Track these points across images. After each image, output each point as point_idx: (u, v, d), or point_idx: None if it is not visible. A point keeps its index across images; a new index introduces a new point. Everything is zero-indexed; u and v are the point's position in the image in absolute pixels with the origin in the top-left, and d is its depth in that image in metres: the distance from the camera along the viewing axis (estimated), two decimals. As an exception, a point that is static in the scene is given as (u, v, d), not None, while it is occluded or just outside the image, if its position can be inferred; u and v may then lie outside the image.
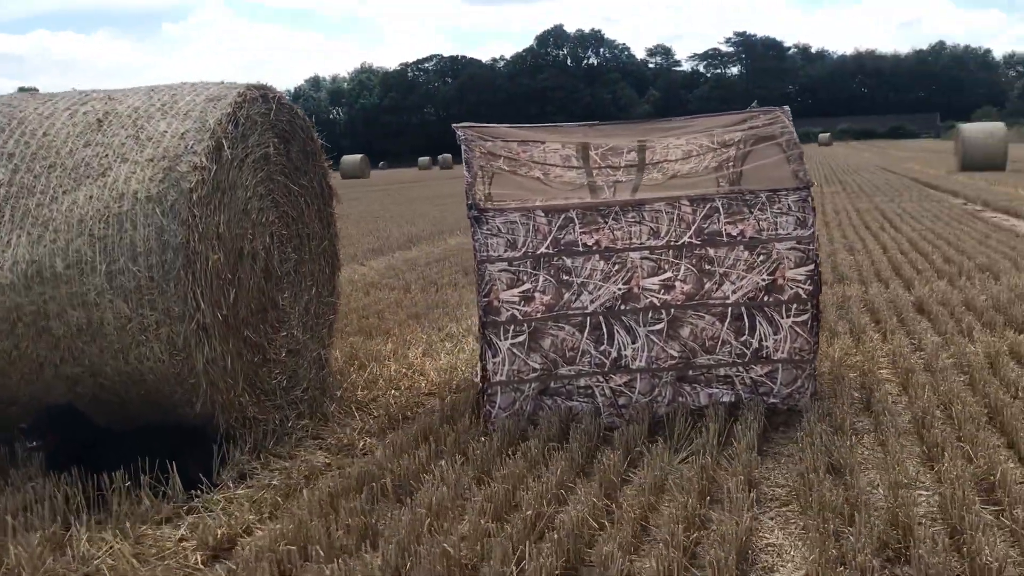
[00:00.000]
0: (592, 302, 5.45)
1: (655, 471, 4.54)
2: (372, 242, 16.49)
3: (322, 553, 3.79)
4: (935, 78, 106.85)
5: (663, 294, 5.48)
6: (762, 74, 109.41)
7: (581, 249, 5.44)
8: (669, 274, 5.47)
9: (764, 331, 5.53)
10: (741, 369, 5.58)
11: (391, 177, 50.83)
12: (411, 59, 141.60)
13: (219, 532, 4.15)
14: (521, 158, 6.34)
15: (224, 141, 5.04)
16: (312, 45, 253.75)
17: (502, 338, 5.41)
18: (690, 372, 5.57)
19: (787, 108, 6.10)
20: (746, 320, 5.53)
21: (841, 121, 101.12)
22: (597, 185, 6.44)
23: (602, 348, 5.49)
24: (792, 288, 5.50)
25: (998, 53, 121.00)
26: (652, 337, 5.50)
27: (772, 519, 4.24)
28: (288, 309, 6.03)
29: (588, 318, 5.46)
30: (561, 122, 6.09)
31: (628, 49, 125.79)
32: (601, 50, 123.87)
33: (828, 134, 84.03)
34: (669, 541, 3.70)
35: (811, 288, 5.51)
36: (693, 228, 5.47)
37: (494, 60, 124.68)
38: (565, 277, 5.43)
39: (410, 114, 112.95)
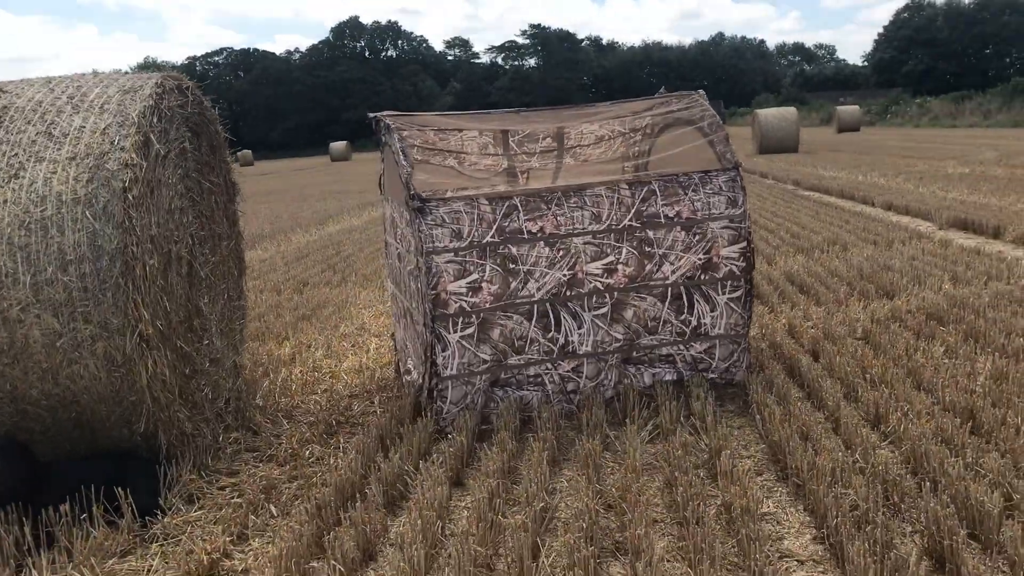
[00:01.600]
0: (539, 289, 5.40)
1: (635, 452, 4.57)
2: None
3: (340, 567, 3.57)
4: (717, 67, 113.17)
5: (606, 278, 5.50)
6: (558, 66, 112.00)
7: (526, 236, 5.37)
8: (611, 258, 5.50)
9: (702, 309, 5.67)
10: (682, 347, 5.70)
11: (193, 176, 48.23)
12: (199, 53, 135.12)
13: (204, 558, 3.82)
14: (437, 146, 6.18)
15: (152, 135, 4.62)
16: (86, 39, 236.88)
17: (451, 331, 5.27)
18: (634, 354, 5.63)
19: (702, 91, 6.27)
20: (685, 299, 5.65)
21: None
22: (514, 171, 6.38)
23: (550, 335, 5.46)
24: (727, 266, 5.67)
25: (771, 43, 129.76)
26: (597, 321, 5.52)
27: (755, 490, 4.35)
28: (208, 315, 5.62)
29: (535, 306, 5.41)
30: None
31: (427, 41, 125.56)
32: (399, 42, 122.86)
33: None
34: (690, 520, 3.74)
35: (744, 265, 5.70)
36: (633, 211, 5.53)
37: (289, 52, 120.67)
38: (511, 265, 5.35)
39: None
